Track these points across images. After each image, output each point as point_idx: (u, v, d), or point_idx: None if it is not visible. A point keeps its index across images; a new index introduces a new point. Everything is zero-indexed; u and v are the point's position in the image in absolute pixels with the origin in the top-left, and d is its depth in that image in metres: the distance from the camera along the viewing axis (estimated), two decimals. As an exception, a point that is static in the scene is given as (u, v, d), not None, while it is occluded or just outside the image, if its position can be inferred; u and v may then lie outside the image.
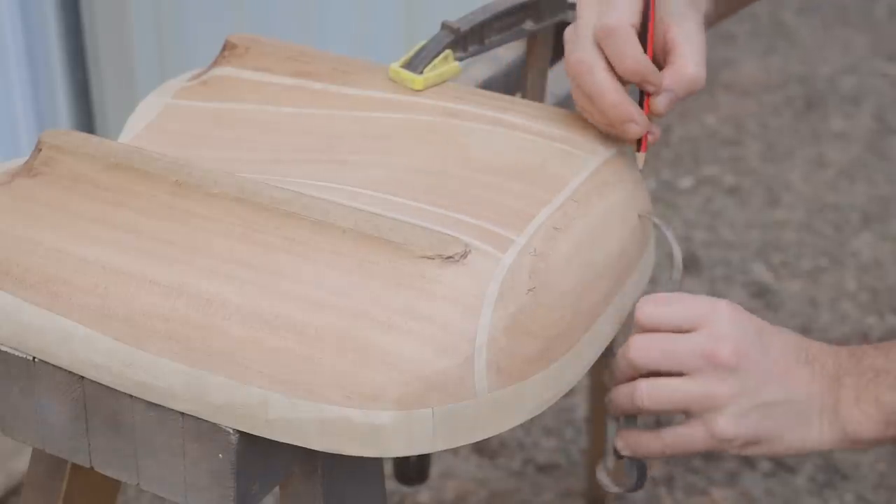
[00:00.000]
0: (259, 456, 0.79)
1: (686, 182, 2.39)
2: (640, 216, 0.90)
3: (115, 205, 0.83)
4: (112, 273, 0.79)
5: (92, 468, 0.83)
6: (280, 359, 0.75)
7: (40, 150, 0.87)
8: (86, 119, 1.74)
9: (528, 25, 1.05)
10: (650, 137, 0.92)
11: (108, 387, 0.79)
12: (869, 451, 1.71)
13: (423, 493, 1.64)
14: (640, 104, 0.90)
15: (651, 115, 0.90)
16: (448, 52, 0.98)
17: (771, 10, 3.10)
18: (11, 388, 0.83)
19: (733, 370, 0.84)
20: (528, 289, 0.79)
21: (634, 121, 0.89)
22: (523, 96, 1.15)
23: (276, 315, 0.76)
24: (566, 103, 1.14)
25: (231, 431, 0.77)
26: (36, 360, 0.81)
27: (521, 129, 0.93)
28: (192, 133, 0.95)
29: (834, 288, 2.08)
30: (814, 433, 0.86)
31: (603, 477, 0.92)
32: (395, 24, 2.13)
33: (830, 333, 1.95)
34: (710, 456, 1.70)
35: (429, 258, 0.77)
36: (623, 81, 0.89)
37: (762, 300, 2.04)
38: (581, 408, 1.78)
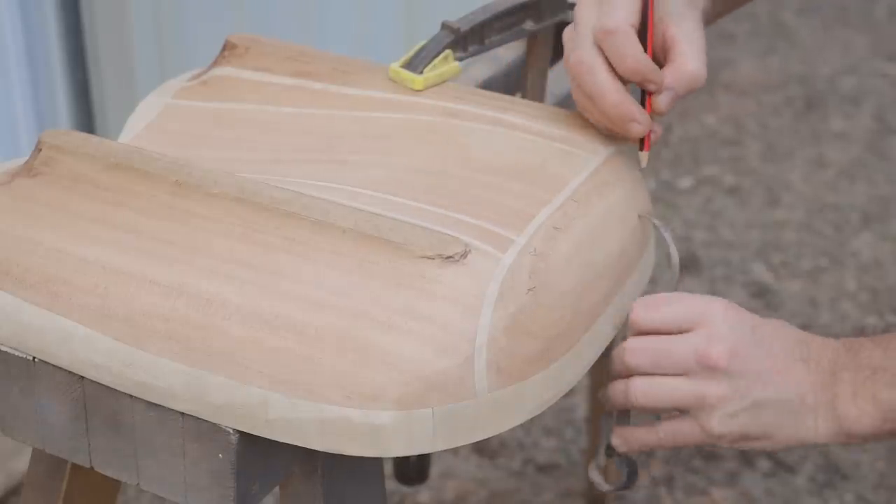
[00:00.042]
0: (259, 456, 0.79)
1: (686, 182, 2.39)
2: (639, 216, 0.91)
3: (115, 205, 0.83)
4: (112, 273, 0.79)
5: (92, 468, 0.83)
6: (280, 359, 0.75)
7: (40, 150, 0.87)
8: (86, 119, 1.74)
9: (528, 25, 1.05)
10: (652, 136, 0.92)
11: (108, 387, 0.79)
12: (869, 451, 1.71)
13: (423, 493, 1.64)
14: (642, 103, 0.90)
15: (653, 114, 0.91)
16: (448, 52, 0.98)
17: (771, 10, 3.10)
18: (11, 388, 0.83)
19: (725, 371, 0.85)
20: (528, 289, 0.79)
21: (637, 120, 0.89)
22: (523, 96, 1.15)
23: (276, 315, 0.76)
24: (566, 103, 1.14)
25: (231, 431, 0.77)
26: (36, 360, 0.81)
27: (521, 129, 0.93)
28: (192, 133, 0.95)
29: (834, 288, 2.08)
30: (808, 430, 0.87)
31: (594, 475, 0.92)
32: (395, 24, 2.13)
33: (830, 333, 1.94)
34: (710, 456, 1.70)
35: (429, 258, 0.77)
36: (623, 81, 0.89)
37: (762, 300, 2.04)
38: (581, 408, 1.78)
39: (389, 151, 0.91)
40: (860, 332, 1.95)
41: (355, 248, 0.78)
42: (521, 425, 1.48)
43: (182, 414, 0.78)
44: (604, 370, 0.92)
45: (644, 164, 0.93)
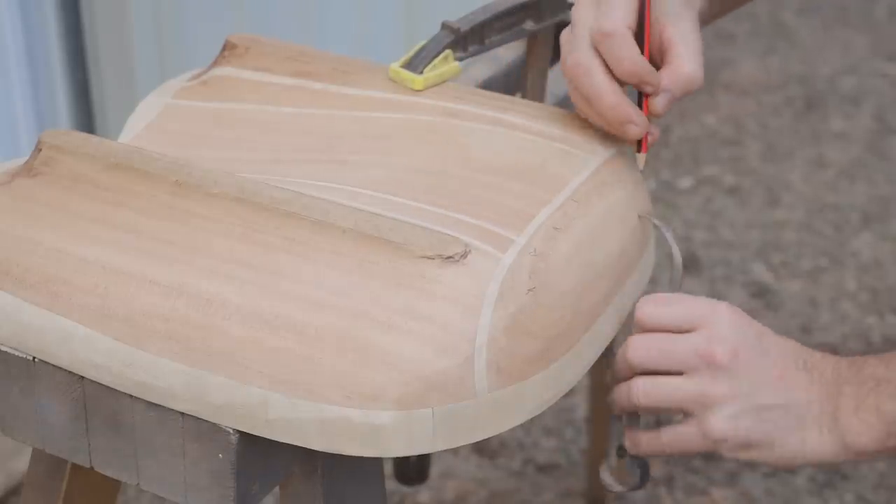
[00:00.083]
0: (259, 456, 0.79)
1: (686, 182, 2.39)
2: (639, 217, 0.90)
3: (115, 205, 0.83)
4: (112, 273, 0.79)
5: (92, 468, 0.83)
6: (280, 359, 0.75)
7: (40, 150, 0.87)
8: (86, 119, 1.74)
9: (528, 25, 1.05)
10: (650, 138, 0.92)
11: (108, 387, 0.79)
12: (869, 451, 1.71)
13: (423, 493, 1.64)
14: (639, 105, 0.90)
15: (650, 116, 0.91)
16: (448, 52, 0.98)
17: (771, 10, 3.10)
18: (11, 388, 0.83)
19: (729, 371, 0.85)
20: (528, 289, 0.79)
21: (634, 122, 0.89)
22: (523, 96, 1.15)
23: (276, 315, 0.76)
24: (566, 103, 1.14)
25: (231, 431, 0.77)
26: (36, 360, 0.81)
27: (521, 129, 0.93)
28: (192, 133, 0.95)
29: (834, 288, 2.08)
30: (811, 441, 0.85)
31: (606, 476, 0.92)
32: (395, 24, 2.13)
33: (830, 333, 1.95)
34: (710, 456, 1.70)
35: (429, 258, 0.77)
36: (621, 83, 0.89)
37: (762, 300, 2.04)
38: (581, 408, 1.78)
39: (389, 151, 0.91)
40: (860, 332, 1.95)
41: (355, 248, 0.78)
42: (521, 425, 1.48)
43: (182, 414, 0.78)
44: (608, 374, 0.92)
45: (641, 165, 0.93)
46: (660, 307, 0.87)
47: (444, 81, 0.98)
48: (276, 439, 0.76)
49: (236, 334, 0.76)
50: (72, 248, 0.81)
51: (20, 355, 0.82)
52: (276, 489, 0.84)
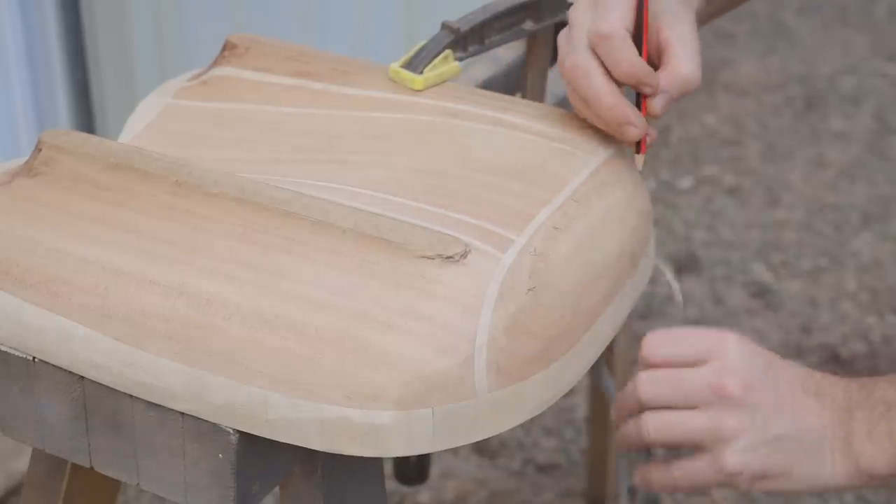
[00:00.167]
0: (259, 456, 0.79)
1: (686, 182, 2.39)
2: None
3: (115, 205, 0.83)
4: (112, 273, 0.79)
5: (92, 468, 0.83)
6: (280, 359, 0.75)
7: (40, 150, 0.87)
8: (86, 119, 1.74)
9: (528, 25, 1.05)
10: (648, 139, 0.92)
11: (108, 387, 0.79)
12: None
13: (423, 493, 1.64)
14: (637, 106, 0.90)
15: (648, 117, 0.90)
16: (448, 52, 0.98)
17: (771, 10, 3.10)
18: (11, 388, 0.83)
19: (741, 403, 0.84)
20: (528, 289, 0.79)
21: (632, 123, 0.89)
22: (523, 96, 1.15)
23: (276, 315, 0.76)
24: (566, 103, 1.14)
25: (231, 431, 0.77)
26: (36, 360, 0.81)
27: (521, 129, 0.93)
28: (192, 133, 0.95)
29: (834, 288, 2.08)
30: (826, 467, 0.84)
31: None
32: (395, 24, 2.13)
33: (830, 333, 1.95)
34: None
35: (429, 258, 0.77)
36: (619, 84, 0.89)
37: (762, 300, 2.04)
38: (581, 408, 1.78)
39: (389, 151, 0.91)
40: (860, 332, 1.95)
41: (355, 248, 0.78)
42: (521, 425, 1.48)
43: (182, 414, 0.78)
44: (613, 410, 0.91)
45: (640, 167, 0.93)
46: (667, 343, 0.87)
47: (444, 81, 0.98)
48: (276, 439, 0.76)
49: (236, 334, 0.76)
50: (72, 248, 0.81)
51: (20, 355, 0.82)
52: (276, 489, 0.84)
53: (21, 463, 1.57)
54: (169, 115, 0.97)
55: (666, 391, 0.85)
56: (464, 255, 0.78)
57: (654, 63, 0.91)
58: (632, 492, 0.90)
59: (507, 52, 1.19)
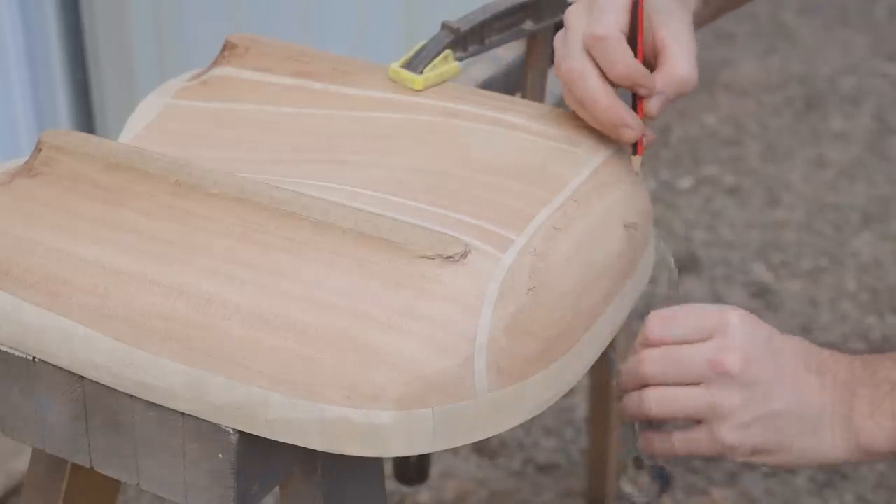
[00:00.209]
0: (259, 456, 0.79)
1: (686, 182, 2.39)
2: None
3: (115, 205, 0.83)
4: (112, 273, 0.79)
5: (92, 468, 0.83)
6: (280, 359, 0.75)
7: (40, 150, 0.87)
8: (86, 119, 1.74)
9: (528, 25, 1.05)
10: (644, 140, 0.92)
11: (108, 387, 0.79)
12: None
13: (423, 493, 1.64)
14: (633, 107, 0.90)
15: (644, 118, 0.90)
16: (448, 52, 0.98)
17: (771, 10, 3.11)
18: (11, 388, 0.83)
19: (741, 380, 0.85)
20: (528, 289, 0.79)
21: (629, 125, 0.89)
22: (523, 96, 1.15)
23: (276, 315, 0.76)
24: (566, 104, 1.14)
25: (231, 431, 0.77)
26: (36, 360, 0.81)
27: (521, 129, 0.93)
28: (192, 133, 0.95)
29: (834, 288, 2.08)
30: (825, 443, 0.85)
31: (627, 487, 0.92)
32: (395, 24, 2.13)
33: (830, 333, 1.95)
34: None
35: (429, 258, 0.77)
36: (614, 86, 0.89)
37: (762, 300, 2.04)
38: (581, 408, 1.78)
39: (389, 151, 0.91)
40: (860, 332, 1.95)
41: (355, 248, 0.78)
42: (521, 425, 1.48)
43: (182, 414, 0.78)
44: (614, 383, 0.92)
45: (637, 168, 0.93)
46: (669, 321, 0.87)
47: (444, 81, 0.98)
48: (276, 439, 0.76)
49: (236, 334, 0.76)
50: (72, 248, 0.81)
51: (20, 355, 0.82)
52: (276, 489, 0.84)
53: (21, 463, 1.57)
54: (169, 115, 0.97)
55: (667, 368, 0.86)
56: (464, 255, 0.78)
57: (650, 64, 0.91)
58: (638, 463, 0.90)
59: (507, 52, 1.19)
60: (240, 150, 0.92)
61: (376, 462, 0.86)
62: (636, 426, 0.91)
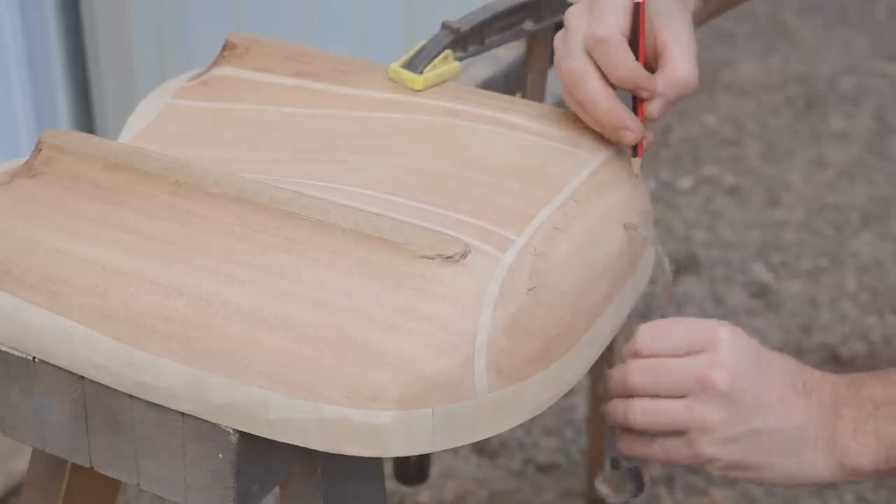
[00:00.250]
0: (259, 456, 0.79)
1: (686, 182, 2.39)
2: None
3: (115, 205, 0.83)
4: (112, 273, 0.79)
5: (92, 468, 0.83)
6: (280, 359, 0.75)
7: (40, 150, 0.87)
8: (86, 119, 1.74)
9: (528, 25, 1.05)
10: (644, 142, 0.92)
11: (108, 387, 0.79)
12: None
13: (423, 493, 1.64)
14: (634, 109, 0.90)
15: (644, 120, 0.90)
16: (448, 52, 0.98)
17: (771, 10, 3.10)
18: (11, 388, 0.83)
19: (726, 395, 0.85)
20: (528, 289, 0.79)
21: (629, 128, 0.89)
22: (523, 96, 1.15)
23: (276, 315, 0.76)
24: (566, 104, 1.14)
25: (231, 431, 0.77)
26: (36, 360, 0.81)
27: (521, 129, 0.93)
28: (192, 133, 0.95)
29: (834, 288, 2.08)
30: (809, 462, 0.86)
31: (602, 487, 0.93)
32: (395, 24, 2.13)
33: (830, 333, 1.95)
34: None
35: (429, 258, 0.77)
36: (615, 88, 0.89)
37: (762, 300, 2.04)
38: (581, 408, 1.78)
39: (389, 151, 0.91)
40: (860, 332, 1.95)
41: (355, 248, 0.78)
42: (521, 425, 1.48)
43: (182, 414, 0.78)
44: (600, 385, 0.92)
45: (637, 170, 0.93)
46: (659, 334, 0.88)
47: (444, 81, 0.98)
48: (276, 439, 0.76)
49: (236, 334, 0.76)
50: (72, 248, 0.81)
51: (20, 355, 0.82)
52: (276, 489, 0.84)
53: (21, 463, 1.57)
54: (169, 115, 0.97)
55: (654, 379, 0.87)
56: (464, 255, 0.78)
57: (651, 65, 0.90)
58: (615, 464, 0.91)
59: (507, 52, 1.19)
60: (240, 150, 0.92)
61: (376, 462, 0.86)
62: (618, 430, 0.91)
